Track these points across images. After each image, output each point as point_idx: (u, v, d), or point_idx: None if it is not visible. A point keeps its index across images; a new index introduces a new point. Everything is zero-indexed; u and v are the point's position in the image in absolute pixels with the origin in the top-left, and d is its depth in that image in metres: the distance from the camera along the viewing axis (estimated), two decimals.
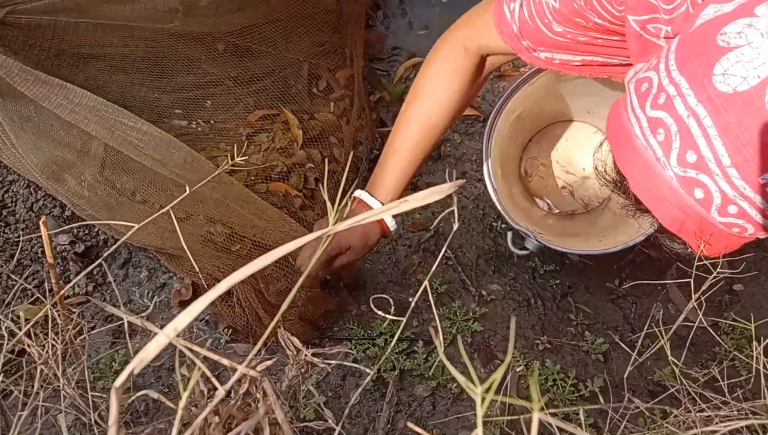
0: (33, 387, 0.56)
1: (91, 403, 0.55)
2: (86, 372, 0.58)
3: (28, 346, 0.53)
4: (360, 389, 0.97)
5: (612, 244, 1.20)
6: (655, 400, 0.91)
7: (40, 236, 1.27)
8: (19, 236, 1.31)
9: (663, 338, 0.70)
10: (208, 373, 0.42)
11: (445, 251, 1.32)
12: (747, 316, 1.25)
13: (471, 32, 0.92)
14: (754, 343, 0.74)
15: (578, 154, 1.42)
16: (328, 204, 0.46)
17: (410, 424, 0.42)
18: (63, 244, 1.29)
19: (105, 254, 0.56)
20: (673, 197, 0.55)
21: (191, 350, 0.49)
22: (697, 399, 0.72)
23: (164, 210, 0.60)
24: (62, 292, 0.53)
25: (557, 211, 1.42)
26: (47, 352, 0.52)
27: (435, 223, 1.33)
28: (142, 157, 1.10)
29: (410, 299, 1.26)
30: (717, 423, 0.58)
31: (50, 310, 0.50)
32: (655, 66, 0.57)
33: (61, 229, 1.16)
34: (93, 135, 1.10)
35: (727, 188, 0.52)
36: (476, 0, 0.93)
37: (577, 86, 1.25)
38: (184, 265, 1.18)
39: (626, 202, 0.66)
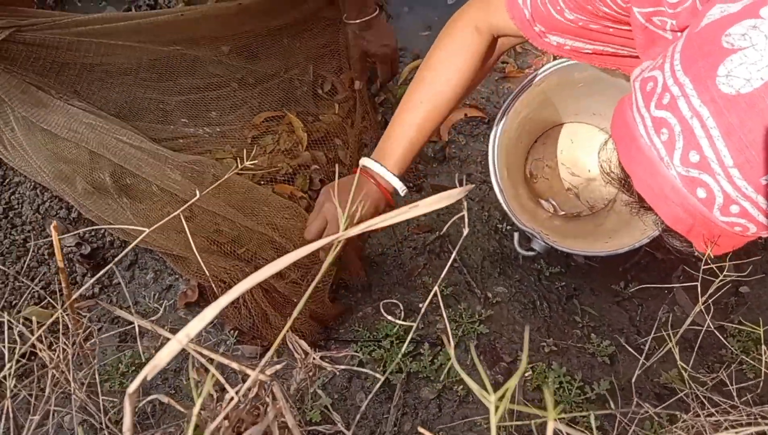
0: (43, 391, 0.57)
1: (102, 407, 0.55)
2: (97, 376, 0.58)
3: (40, 350, 0.53)
4: (371, 396, 0.97)
5: (617, 245, 1.20)
6: (664, 405, 0.91)
7: (48, 238, 1.28)
8: (25, 238, 1.32)
9: (671, 341, 0.70)
10: (222, 380, 0.42)
11: (454, 257, 1.32)
12: (753, 319, 1.25)
13: (483, 12, 0.92)
14: (762, 346, 0.74)
15: (583, 156, 1.42)
16: (339, 210, 0.46)
17: (421, 429, 0.42)
18: (69, 246, 1.29)
19: (117, 258, 0.57)
20: (675, 196, 0.56)
21: (203, 355, 0.50)
22: (706, 403, 0.72)
23: (174, 214, 0.60)
24: (74, 297, 0.54)
25: (562, 212, 1.42)
26: (58, 356, 0.52)
27: (445, 228, 1.33)
28: (142, 172, 1.12)
29: (416, 301, 1.26)
30: (726, 428, 0.58)
31: (61, 314, 0.50)
32: (660, 65, 0.57)
33: (70, 233, 1.16)
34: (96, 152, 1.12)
35: (729, 188, 0.52)
36: None
37: (582, 88, 1.25)
38: (190, 267, 1.18)
39: (630, 200, 0.67)
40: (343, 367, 0.61)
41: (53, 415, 0.55)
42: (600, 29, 0.77)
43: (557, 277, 1.33)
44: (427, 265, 1.33)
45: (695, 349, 1.02)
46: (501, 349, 1.20)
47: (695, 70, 0.53)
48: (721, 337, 0.90)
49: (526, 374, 1.14)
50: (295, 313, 0.44)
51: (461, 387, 1.14)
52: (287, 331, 0.74)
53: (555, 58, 1.26)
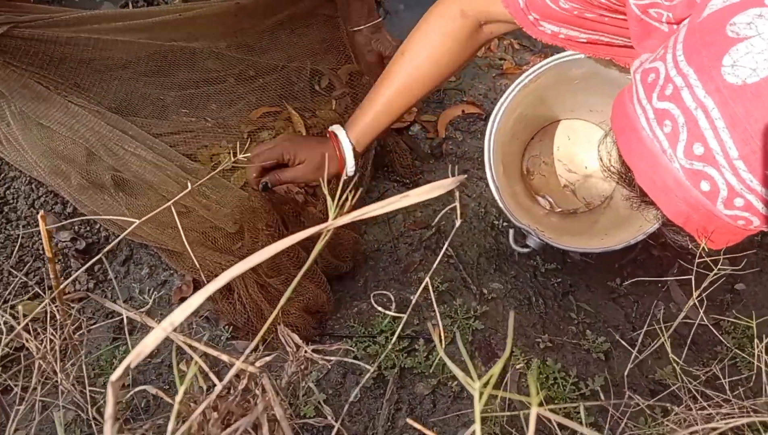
0: (32, 382, 0.56)
1: (89, 398, 0.55)
2: (84, 368, 0.58)
3: (27, 340, 0.53)
4: (359, 386, 0.97)
5: (613, 242, 1.19)
6: (656, 398, 0.91)
7: (41, 232, 1.27)
8: (20, 233, 1.31)
9: (663, 335, 0.70)
10: (206, 368, 0.42)
11: (447, 249, 1.32)
12: (749, 316, 1.24)
13: None
14: (756, 341, 0.73)
15: (580, 153, 1.42)
16: (328, 198, 0.46)
17: (409, 420, 0.42)
18: (64, 241, 1.29)
19: (105, 249, 0.56)
20: (678, 189, 0.55)
21: (190, 346, 0.49)
22: (698, 397, 0.72)
23: (165, 206, 0.59)
24: (61, 286, 0.53)
25: (559, 209, 1.42)
26: (45, 346, 0.52)
27: (437, 219, 1.33)
28: (141, 179, 1.13)
29: (412, 297, 1.26)
30: (718, 420, 0.58)
31: (49, 304, 0.50)
32: (662, 56, 0.57)
33: (61, 223, 1.16)
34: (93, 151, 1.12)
35: (733, 181, 0.52)
36: None
37: (578, 84, 1.25)
38: (185, 263, 1.17)
39: (630, 194, 0.66)
40: (334, 358, 0.60)
41: (40, 406, 0.54)
42: (595, 18, 0.77)
43: (553, 274, 1.33)
44: (423, 261, 1.33)
45: (688, 344, 1.01)
46: (496, 345, 1.20)
47: (699, 60, 0.52)
48: (716, 332, 0.90)
49: (519, 368, 1.14)
50: (287, 294, 0.43)
51: (456, 383, 1.13)
52: (279, 323, 0.74)
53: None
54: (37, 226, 1.31)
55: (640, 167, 0.58)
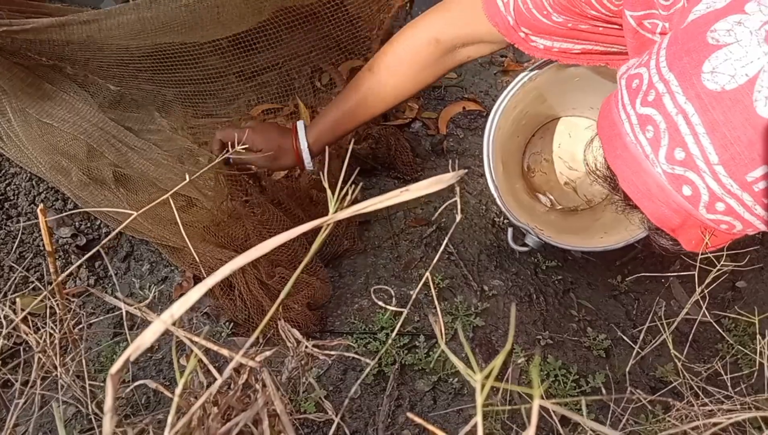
0: (31, 376, 0.56)
1: (89, 393, 0.54)
2: (84, 363, 0.57)
3: (26, 334, 0.53)
4: (359, 381, 0.97)
5: (614, 240, 1.19)
6: (658, 394, 0.90)
7: (41, 226, 1.27)
8: (21, 226, 1.31)
9: (665, 332, 0.70)
10: (205, 360, 0.42)
11: (448, 246, 1.32)
12: (750, 313, 1.24)
13: (449, 25, 0.91)
14: (758, 337, 0.73)
15: (581, 150, 1.42)
16: (329, 192, 0.46)
17: (410, 414, 0.42)
18: (65, 237, 1.29)
19: (103, 241, 0.56)
20: (660, 194, 0.56)
21: (190, 339, 0.49)
22: (700, 393, 0.72)
23: (163, 198, 0.59)
24: (59, 278, 0.53)
25: (560, 206, 1.41)
26: (44, 340, 0.52)
27: (436, 214, 1.33)
28: (144, 176, 1.13)
29: (412, 293, 1.26)
30: (719, 416, 0.58)
31: (48, 298, 0.50)
32: (646, 62, 0.57)
33: (60, 216, 1.16)
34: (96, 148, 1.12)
35: (714, 186, 0.52)
36: None
37: (580, 82, 1.25)
38: (185, 259, 1.17)
39: (616, 198, 0.66)
40: (335, 352, 0.60)
41: (39, 400, 0.54)
42: (590, 29, 0.77)
43: (554, 271, 1.33)
44: (424, 258, 1.32)
45: (689, 340, 1.01)
46: (497, 341, 1.20)
47: (680, 66, 0.53)
48: (718, 328, 0.90)
49: (520, 363, 1.14)
50: (284, 292, 0.43)
51: (456, 379, 1.13)
52: (279, 318, 0.74)
53: None
54: (37, 221, 1.31)
55: (623, 172, 0.58)
